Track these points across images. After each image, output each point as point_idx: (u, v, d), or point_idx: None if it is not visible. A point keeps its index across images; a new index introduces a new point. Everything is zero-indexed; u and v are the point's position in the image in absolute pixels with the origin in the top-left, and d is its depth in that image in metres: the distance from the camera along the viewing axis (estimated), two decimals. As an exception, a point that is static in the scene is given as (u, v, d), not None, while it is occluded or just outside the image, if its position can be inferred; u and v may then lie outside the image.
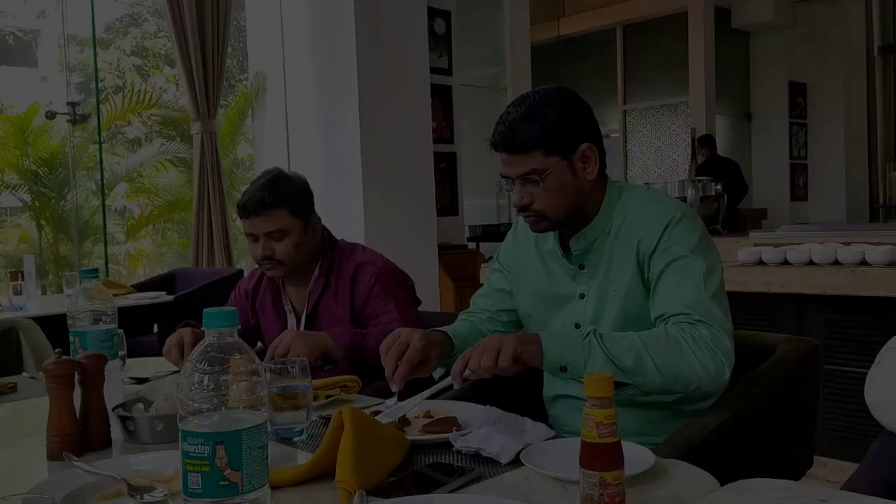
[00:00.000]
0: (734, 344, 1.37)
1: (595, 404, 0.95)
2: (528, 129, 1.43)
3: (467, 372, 1.32)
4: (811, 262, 3.09)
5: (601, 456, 0.94)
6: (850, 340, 2.93)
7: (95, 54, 4.79)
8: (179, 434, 0.74)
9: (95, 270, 1.41)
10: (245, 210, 1.91)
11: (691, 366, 1.32)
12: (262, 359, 2.15)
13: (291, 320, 2.02)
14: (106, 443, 1.31)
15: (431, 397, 1.38)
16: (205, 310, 0.75)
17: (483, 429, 1.23)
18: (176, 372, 1.91)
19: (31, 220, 5.00)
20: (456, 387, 1.34)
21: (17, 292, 3.49)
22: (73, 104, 4.66)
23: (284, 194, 1.91)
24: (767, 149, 9.82)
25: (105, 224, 4.97)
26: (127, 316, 4.02)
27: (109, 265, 5.97)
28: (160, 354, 1.92)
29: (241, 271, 4.34)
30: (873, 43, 10.25)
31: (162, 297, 3.88)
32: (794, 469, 1.53)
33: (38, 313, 3.31)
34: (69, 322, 1.40)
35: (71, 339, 1.39)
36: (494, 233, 6.59)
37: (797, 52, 9.66)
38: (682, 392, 1.34)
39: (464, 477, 1.09)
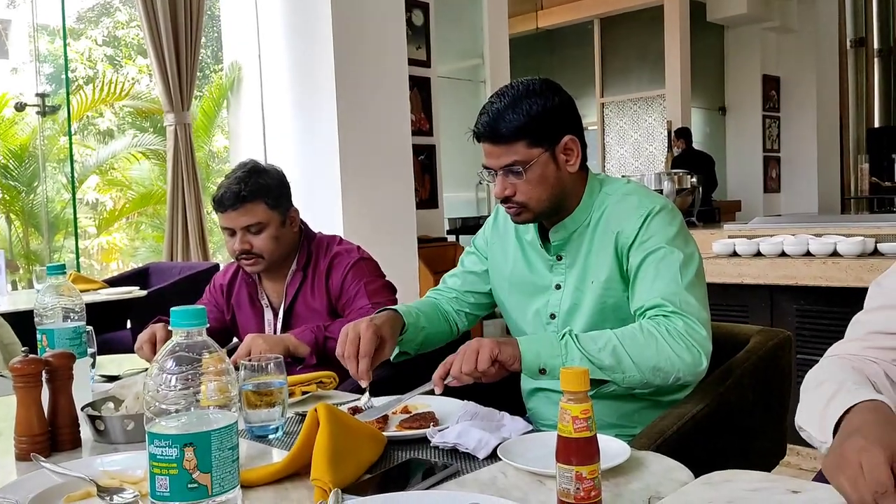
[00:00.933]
0: (711, 333, 1.37)
1: (571, 399, 0.95)
2: (511, 119, 1.43)
3: (449, 378, 1.32)
4: (783, 254, 3.12)
5: (577, 450, 0.93)
6: (821, 331, 2.97)
7: (66, 44, 4.71)
8: (146, 436, 0.72)
9: (62, 266, 1.39)
10: (221, 204, 1.88)
11: (668, 358, 1.32)
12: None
13: (268, 315, 2.00)
14: (75, 443, 1.29)
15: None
16: (172, 308, 0.74)
17: (460, 424, 1.22)
18: (145, 370, 1.88)
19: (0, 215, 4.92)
20: (437, 392, 1.33)
21: (-13, 288, 3.43)
22: (42, 95, 4.57)
23: (261, 187, 1.89)
24: (741, 141, 9.91)
25: (76, 218, 4.90)
26: (99, 311, 3.99)
27: (81, 259, 5.88)
28: (133, 351, 1.89)
29: (217, 265, 4.30)
30: (846, 37, 10.38)
31: (135, 292, 3.83)
32: (767, 458, 1.55)
33: (9, 309, 3.26)
34: (36, 319, 1.37)
35: (38, 336, 1.36)
36: (474, 225, 6.59)
37: (771, 45, 9.76)
38: (662, 384, 1.35)
39: (440, 473, 1.09)
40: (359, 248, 2.01)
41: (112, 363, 2.07)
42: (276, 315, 1.98)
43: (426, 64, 5.80)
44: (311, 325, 1.82)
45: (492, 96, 1.49)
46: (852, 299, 2.89)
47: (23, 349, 1.25)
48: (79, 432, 1.29)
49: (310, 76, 4.95)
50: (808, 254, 3.06)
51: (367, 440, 1.16)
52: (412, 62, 5.34)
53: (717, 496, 0.96)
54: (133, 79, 7.70)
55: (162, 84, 4.86)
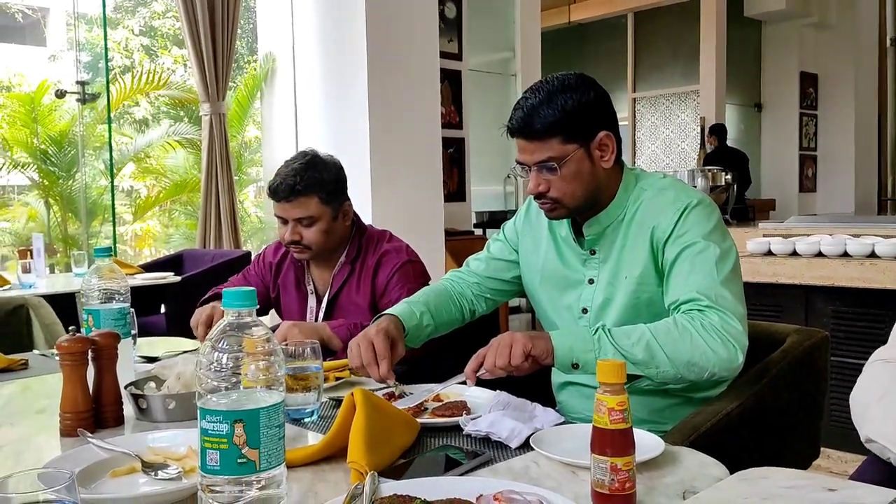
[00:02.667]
0: (747, 329, 1.37)
1: (607, 390, 0.95)
2: (546, 115, 1.42)
3: (481, 371, 1.33)
4: (820, 254, 3.09)
5: (613, 442, 0.94)
6: (856, 332, 2.93)
7: (105, 33, 4.78)
8: (198, 411, 0.74)
9: (109, 249, 1.42)
10: (276, 194, 1.91)
11: (703, 353, 1.32)
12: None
13: (312, 301, 2.03)
14: (118, 420, 1.32)
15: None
16: (224, 289, 0.76)
17: (493, 413, 1.24)
18: (186, 352, 1.92)
19: (38, 199, 5.01)
20: (469, 386, 1.35)
21: (27, 270, 3.51)
22: (82, 83, 4.65)
23: (316, 182, 1.91)
24: (777, 139, 9.78)
25: (114, 204, 4.98)
26: (134, 296, 4.06)
27: (116, 245, 5.99)
28: (167, 334, 1.93)
29: (249, 253, 4.35)
30: (886, 34, 10.18)
31: (169, 277, 3.90)
32: (800, 459, 1.54)
33: (48, 291, 3.33)
34: (82, 300, 1.40)
35: (84, 316, 1.40)
36: (501, 219, 6.58)
37: (809, 42, 9.60)
38: (696, 380, 1.34)
39: (474, 460, 1.10)
40: (408, 247, 2.03)
41: (149, 345, 2.11)
42: (319, 302, 2.01)
43: (458, 57, 5.79)
44: (348, 321, 1.83)
45: (526, 91, 1.48)
46: (890, 301, 2.86)
47: (70, 328, 1.28)
48: (122, 410, 1.33)
49: (342, 68, 4.98)
50: (845, 254, 3.02)
51: (402, 426, 1.18)
52: (443, 55, 5.34)
53: (752, 492, 0.96)
54: (169, 69, 7.80)
55: (199, 74, 4.92)
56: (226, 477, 0.72)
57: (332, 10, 5.06)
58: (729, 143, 8.18)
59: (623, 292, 1.49)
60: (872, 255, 2.96)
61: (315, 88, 5.19)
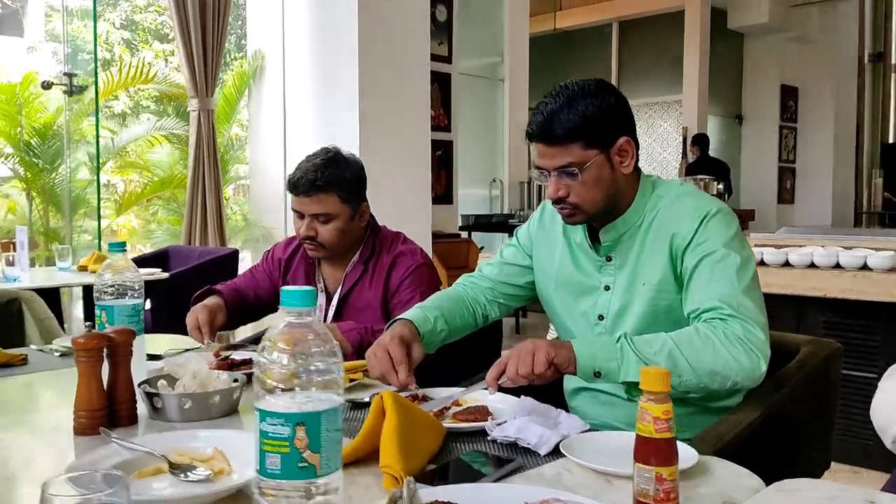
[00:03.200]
0: (769, 338, 1.37)
1: (652, 399, 0.94)
2: (567, 120, 1.41)
3: (503, 379, 1.31)
4: (812, 265, 3.12)
5: (657, 451, 0.93)
6: (849, 344, 2.96)
7: (95, 25, 4.71)
8: (256, 413, 0.72)
9: (123, 244, 1.38)
10: (295, 187, 1.89)
11: (726, 362, 1.31)
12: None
13: (321, 299, 2.00)
14: (132, 419, 1.29)
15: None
16: (283, 288, 0.73)
17: (519, 419, 1.22)
18: (189, 349, 1.89)
19: (19, 191, 4.91)
20: (491, 394, 1.33)
21: (10, 263, 3.43)
22: (69, 75, 4.57)
23: (337, 179, 1.88)
24: (757, 151, 9.90)
25: (99, 198, 4.89)
26: (119, 292, 3.99)
27: (94, 239, 5.88)
28: (154, 331, 1.89)
29: (237, 252, 4.30)
30: (864, 50, 10.37)
31: (157, 274, 3.83)
32: (813, 469, 1.54)
33: (34, 285, 3.26)
34: (95, 296, 1.37)
35: (97, 312, 1.36)
36: (486, 223, 6.60)
37: (790, 55, 9.74)
38: (719, 389, 1.34)
39: (506, 467, 1.09)
40: (422, 250, 2.01)
41: (149, 343, 2.06)
42: (329, 300, 1.99)
43: (447, 60, 5.79)
44: (358, 325, 1.81)
45: (545, 96, 1.47)
46: (882, 313, 2.89)
47: (86, 324, 1.25)
48: (136, 409, 1.30)
49: (333, 68, 4.95)
50: (837, 266, 3.06)
51: (430, 430, 1.16)
52: (434, 58, 5.34)
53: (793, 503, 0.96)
54: (150, 63, 7.69)
55: (188, 69, 4.86)
56: (286, 481, 0.70)
57: (323, 10, 5.02)
58: (710, 153, 8.26)
59: (641, 299, 1.48)
60: (865, 267, 3.00)
61: (305, 88, 5.15)
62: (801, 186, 10.18)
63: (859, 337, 2.96)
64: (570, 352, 1.33)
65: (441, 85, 5.64)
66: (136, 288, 1.38)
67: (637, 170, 1.53)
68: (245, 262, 4.97)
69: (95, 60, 4.56)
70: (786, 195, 10.05)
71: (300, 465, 0.70)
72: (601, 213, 1.49)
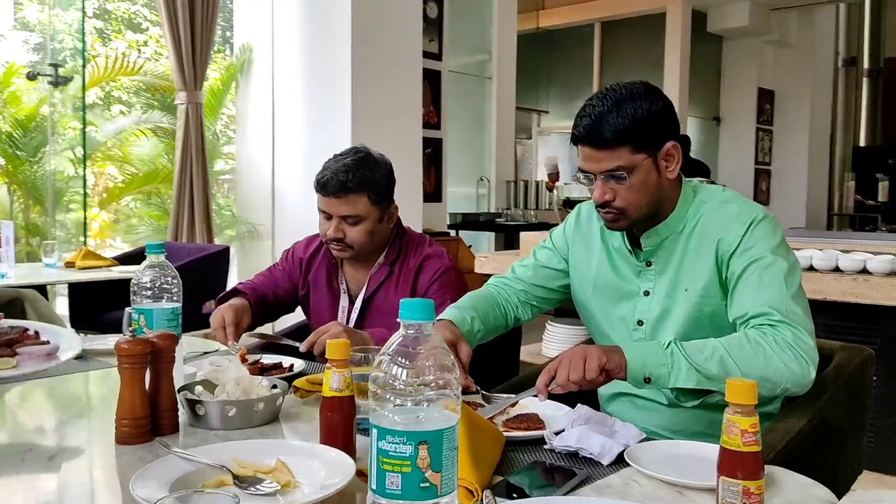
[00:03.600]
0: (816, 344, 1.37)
1: (738, 412, 0.93)
2: (616, 123, 1.39)
3: (553, 385, 1.29)
4: (811, 268, 3.14)
5: (745, 464, 0.92)
6: (848, 347, 2.99)
7: (84, 14, 4.60)
8: (374, 431, 0.69)
9: (162, 245, 1.33)
10: (324, 188, 1.83)
11: (776, 368, 1.31)
12: (303, 331, 2.10)
13: (344, 301, 1.96)
14: (174, 427, 1.24)
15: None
16: (402, 301, 0.71)
17: (577, 428, 1.20)
18: (207, 353, 1.84)
19: (0, 184, 4.77)
20: (541, 400, 1.31)
21: (-2, 259, 3.33)
22: (55, 65, 4.45)
23: (368, 181, 1.83)
24: (734, 152, 10.00)
25: (85, 192, 4.78)
26: (106, 289, 3.90)
27: (72, 235, 5.74)
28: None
29: (228, 249, 4.23)
30: (839, 55, 10.54)
31: (148, 271, 3.75)
32: (848, 475, 1.55)
33: (13, 283, 3.16)
34: (133, 298, 1.32)
35: (135, 316, 1.31)
36: (474, 221, 6.58)
37: (768, 59, 9.85)
38: (768, 395, 1.33)
39: (575, 478, 1.07)
40: (448, 253, 1.98)
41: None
42: (351, 302, 1.94)
43: (438, 57, 5.75)
44: (390, 333, 1.76)
45: (591, 98, 1.45)
46: (881, 317, 2.93)
47: (130, 329, 1.20)
48: (177, 416, 1.25)
49: (325, 63, 4.89)
50: (836, 269, 3.08)
51: (493, 440, 1.14)
52: (424, 54, 5.29)
53: (874, 515, 0.95)
54: (122, 54, 7.52)
55: (175, 61, 4.77)
56: (407, 502, 0.67)
57: (315, 3, 4.96)
58: (689, 154, 8.33)
59: (684, 305, 1.47)
60: (864, 270, 3.03)
61: (295, 83, 5.09)
62: (777, 188, 10.31)
63: (858, 340, 2.99)
64: (622, 357, 1.31)
65: (431, 82, 5.61)
66: (175, 290, 1.33)
67: (679, 175, 1.52)
68: (232, 260, 4.89)
69: (83, 50, 4.45)
70: (761, 197, 10.17)
71: (422, 485, 0.67)
72: (644, 219, 1.48)
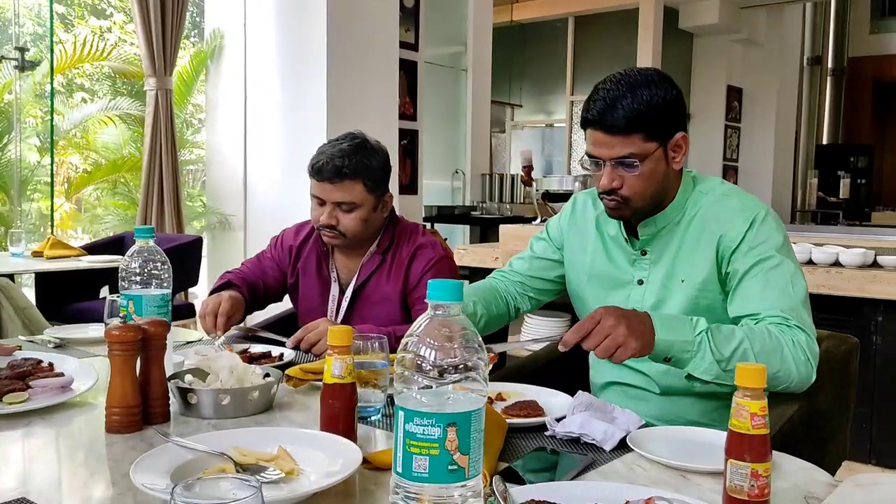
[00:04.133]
0: None
1: (748, 395, 0.93)
2: (631, 109, 1.36)
3: (569, 345, 1.25)
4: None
5: (754, 447, 0.92)
6: (822, 338, 3.04)
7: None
8: (400, 414, 0.67)
9: (151, 230, 1.30)
10: (319, 173, 1.79)
11: (788, 369, 1.32)
12: (287, 320, 2.07)
13: (334, 289, 1.93)
14: (166, 416, 1.21)
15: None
16: (430, 281, 0.69)
17: (578, 414, 1.20)
18: (191, 342, 1.80)
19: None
20: (562, 349, 1.26)
21: (-37, 247, 3.24)
22: (21, 49, 4.33)
23: (365, 168, 1.80)
24: (703, 149, 10.10)
25: (52, 180, 4.67)
26: (74, 279, 3.81)
27: (37, 224, 5.61)
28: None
29: (201, 239, 4.16)
30: (804, 54, 10.72)
31: (117, 261, 3.67)
32: (833, 461, 1.57)
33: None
34: (121, 285, 1.28)
35: (124, 303, 1.27)
36: (450, 214, 6.57)
37: (737, 57, 9.97)
38: (771, 390, 1.35)
39: (581, 463, 1.06)
40: (442, 242, 1.96)
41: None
42: (342, 291, 1.91)
43: (414, 47, 5.71)
44: (380, 329, 1.69)
45: (604, 82, 1.41)
46: (854, 308, 2.98)
47: (121, 316, 1.17)
48: (169, 405, 1.22)
49: (299, 50, 4.83)
50: (810, 262, 3.13)
51: (497, 426, 1.13)
52: (401, 44, 5.25)
53: (876, 499, 0.96)
54: (89, 39, 7.37)
55: (145, 47, 4.67)
56: (434, 485, 0.65)
57: (289, -11, 4.89)
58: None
59: (681, 296, 1.47)
60: (837, 263, 3.08)
61: (268, 70, 5.01)
62: (743, 185, 10.41)
63: (833, 331, 3.04)
64: (651, 337, 1.26)
65: (408, 72, 5.57)
66: (165, 277, 1.30)
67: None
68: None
69: (51, 34, 4.34)
70: (729, 192, 10.30)
71: (450, 467, 0.65)
72: (647, 208, 1.46)
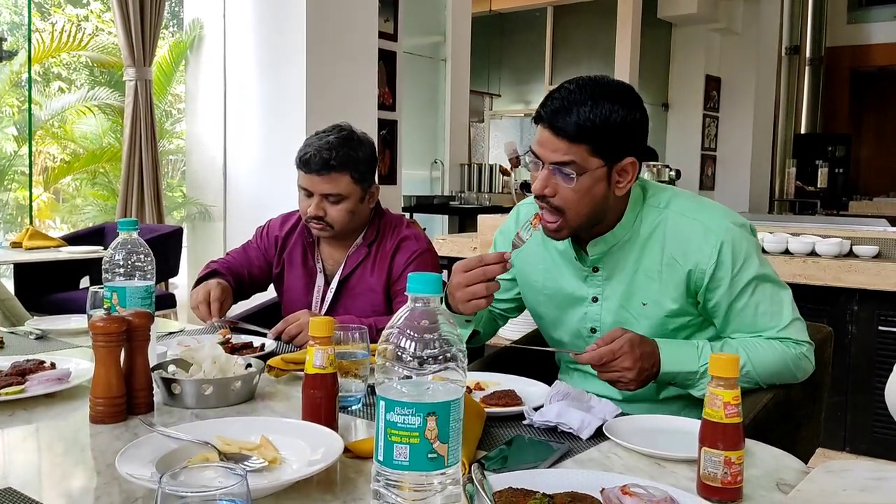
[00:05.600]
0: None
1: (721, 384, 0.96)
2: (584, 118, 1.29)
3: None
4: (763, 251, 3.23)
5: (727, 435, 0.95)
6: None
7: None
8: (381, 403, 0.69)
9: (135, 222, 1.30)
10: (307, 165, 1.80)
11: (792, 377, 1.43)
12: (270, 310, 2.07)
13: (320, 280, 1.94)
14: (150, 407, 1.22)
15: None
16: (410, 274, 0.70)
17: (555, 404, 1.22)
18: (172, 333, 1.81)
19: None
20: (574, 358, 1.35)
21: (-60, 239, 3.21)
22: (-2, 38, 4.28)
23: (351, 160, 1.81)
24: (682, 138, 10.19)
25: (31, 170, 4.62)
26: (53, 270, 3.79)
27: (14, 215, 5.55)
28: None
29: (181, 230, 4.15)
30: (782, 43, 10.80)
31: (98, 252, 3.66)
32: (806, 448, 1.61)
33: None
34: (105, 276, 1.28)
35: (108, 294, 1.28)
36: (428, 204, 6.58)
37: (715, 46, 10.04)
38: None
39: (557, 452, 1.08)
40: (426, 235, 1.98)
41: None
42: (327, 283, 1.92)
43: (393, 37, 5.70)
44: (366, 321, 1.70)
45: (570, 82, 1.35)
46: (829, 297, 3.03)
47: (105, 308, 1.18)
48: (153, 395, 1.23)
49: (279, 41, 4.80)
50: (786, 252, 3.18)
51: (476, 415, 1.15)
52: (380, 34, 5.25)
53: (846, 484, 0.99)
54: (67, 27, 7.29)
55: (124, 36, 4.62)
56: (414, 473, 0.67)
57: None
58: (641, 139, 8.45)
59: (646, 322, 1.43)
60: (813, 253, 3.13)
61: (248, 60, 4.98)
62: (721, 174, 10.54)
63: (809, 320, 3.09)
64: (657, 368, 1.36)
65: (387, 62, 5.56)
66: (149, 269, 1.30)
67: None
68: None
69: (29, 23, 4.28)
70: (707, 182, 10.39)
71: (430, 455, 0.67)
72: (584, 227, 1.40)
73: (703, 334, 1.47)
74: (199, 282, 1.85)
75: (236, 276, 1.94)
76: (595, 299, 1.48)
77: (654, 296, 1.42)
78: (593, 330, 1.50)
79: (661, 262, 1.41)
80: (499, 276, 1.48)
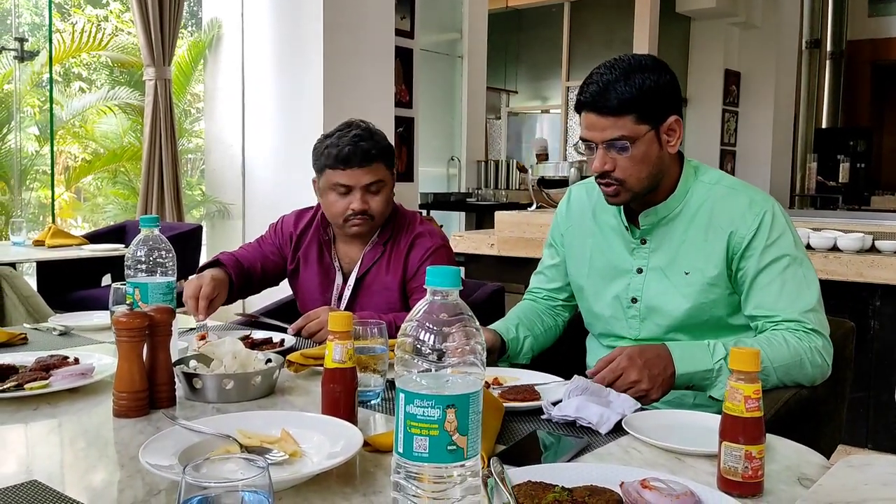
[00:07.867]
0: None
1: (742, 378, 0.95)
2: (623, 91, 1.39)
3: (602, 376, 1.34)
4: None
5: (748, 429, 0.94)
6: (818, 322, 3.06)
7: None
8: (401, 396, 0.69)
9: (156, 219, 1.32)
10: (347, 161, 1.79)
11: (806, 375, 1.41)
12: (286, 308, 2.08)
13: (338, 278, 1.94)
14: (172, 401, 1.24)
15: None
16: (428, 268, 0.71)
17: (574, 398, 1.22)
18: (193, 329, 1.82)
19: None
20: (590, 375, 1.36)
21: (-36, 237, 3.25)
22: (20, 39, 4.33)
23: (386, 148, 1.86)
24: (701, 133, 10.11)
25: (53, 169, 4.68)
26: (76, 268, 3.83)
27: (37, 214, 5.61)
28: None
29: (201, 227, 4.18)
30: (803, 37, 10.69)
31: (120, 249, 3.69)
32: (828, 445, 1.59)
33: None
34: (127, 273, 1.30)
35: (130, 290, 1.29)
36: (445, 201, 6.58)
37: (734, 40, 9.95)
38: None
39: (576, 446, 1.08)
40: (440, 231, 1.99)
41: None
42: (345, 280, 1.93)
43: (410, 35, 5.71)
44: (385, 317, 1.71)
45: (599, 67, 1.45)
46: (851, 293, 3.00)
47: (127, 303, 1.19)
48: (174, 390, 1.24)
49: (296, 39, 4.83)
50: (807, 247, 3.15)
51: (495, 409, 1.15)
52: (396, 32, 5.25)
53: (867, 478, 0.98)
54: (86, 28, 7.36)
55: (144, 36, 4.66)
56: (433, 465, 0.68)
57: (286, -21, 4.88)
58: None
59: (687, 290, 1.48)
60: (835, 248, 3.10)
61: (266, 59, 5.01)
62: (741, 169, 10.45)
63: (829, 317, 3.07)
64: (671, 380, 1.36)
65: (403, 60, 5.56)
66: (170, 265, 1.32)
67: (679, 153, 1.52)
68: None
69: (50, 24, 4.33)
70: (727, 177, 10.32)
71: (449, 447, 0.68)
72: (644, 192, 1.48)
73: (734, 319, 1.49)
74: (199, 270, 1.85)
75: (245, 269, 1.93)
76: (640, 270, 1.54)
77: (698, 263, 1.47)
78: (634, 300, 1.54)
79: (706, 229, 1.47)
80: (553, 262, 1.68)
